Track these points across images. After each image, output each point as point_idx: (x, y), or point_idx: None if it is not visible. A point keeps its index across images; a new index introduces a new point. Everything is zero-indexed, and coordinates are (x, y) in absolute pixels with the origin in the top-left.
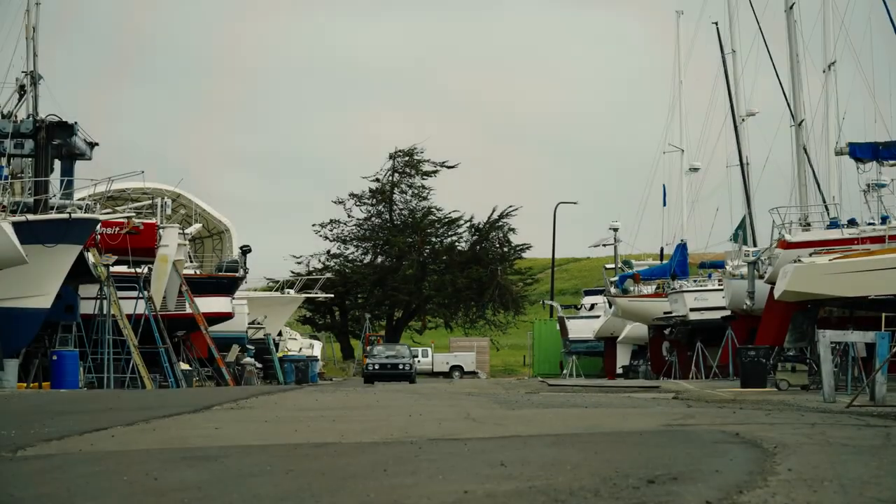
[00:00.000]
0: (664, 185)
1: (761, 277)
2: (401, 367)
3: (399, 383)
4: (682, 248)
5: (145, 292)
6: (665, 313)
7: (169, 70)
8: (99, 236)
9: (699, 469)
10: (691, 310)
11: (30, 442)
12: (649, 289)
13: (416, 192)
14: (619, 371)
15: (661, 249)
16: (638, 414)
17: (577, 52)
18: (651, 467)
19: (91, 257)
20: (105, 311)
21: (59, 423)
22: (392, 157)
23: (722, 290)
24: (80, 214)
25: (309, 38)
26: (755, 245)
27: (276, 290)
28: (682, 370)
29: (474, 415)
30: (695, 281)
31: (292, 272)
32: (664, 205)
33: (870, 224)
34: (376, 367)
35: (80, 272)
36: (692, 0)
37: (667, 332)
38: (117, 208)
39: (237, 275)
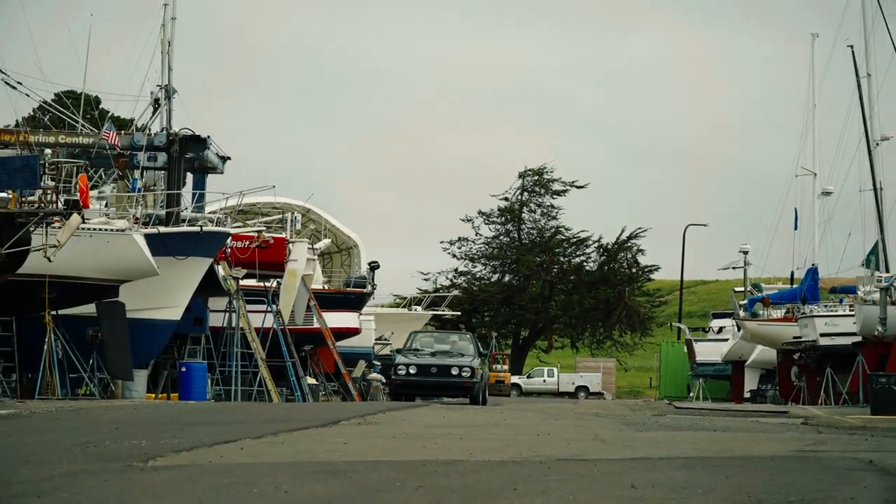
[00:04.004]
0: (796, 209)
1: (894, 304)
2: (455, 372)
3: (447, 401)
4: (812, 272)
5: (274, 306)
6: (794, 338)
7: (301, 86)
8: (229, 250)
9: (833, 496)
10: (821, 335)
11: (160, 452)
12: (779, 313)
13: (545, 211)
14: (747, 395)
15: (792, 273)
16: (767, 439)
17: (709, 72)
18: (784, 493)
19: (221, 270)
20: (233, 324)
21: (189, 435)
22: (522, 175)
23: (853, 315)
24: (211, 228)
25: (440, 55)
26: (888, 270)
27: (404, 307)
28: (810, 396)
29: (602, 435)
30: (825, 306)
31: (420, 289)
32: (795, 228)
33: None
34: (413, 371)
35: (209, 285)
36: (828, 23)
37: (796, 356)
38: (248, 222)
39: (365, 290)
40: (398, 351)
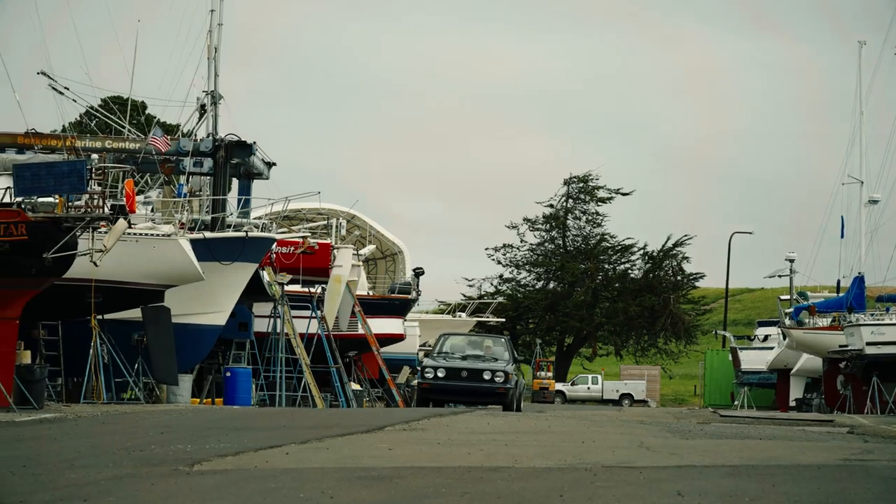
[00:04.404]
0: (842, 217)
1: None
2: (487, 377)
3: (482, 409)
4: (859, 280)
5: (318, 312)
6: (841, 346)
7: (345, 92)
8: (274, 255)
9: None
10: (868, 343)
11: (206, 457)
12: (825, 321)
13: (589, 218)
14: (792, 404)
15: (838, 282)
16: (814, 447)
17: (754, 79)
18: (831, 502)
19: (266, 276)
20: (278, 330)
21: (234, 439)
22: (567, 182)
23: None
24: (256, 233)
25: (482, 61)
26: None
27: (448, 313)
28: (856, 404)
29: (647, 443)
30: (872, 315)
31: (464, 295)
32: (842, 236)
33: None
34: (441, 374)
35: (254, 290)
36: (875, 30)
37: (842, 365)
38: (293, 228)
39: (410, 297)
40: (426, 354)
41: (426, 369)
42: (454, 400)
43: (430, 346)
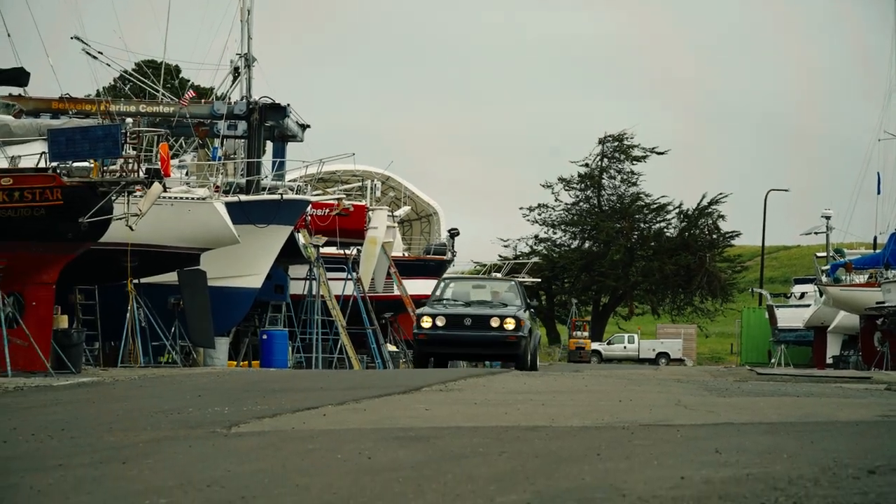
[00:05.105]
0: (878, 173)
1: None
2: (495, 324)
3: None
4: (895, 236)
5: (354, 274)
6: (877, 303)
7: (378, 52)
8: (309, 217)
9: None
10: None
11: (243, 419)
12: (861, 278)
13: (624, 177)
14: (829, 361)
15: (875, 238)
16: (851, 404)
17: (789, 36)
18: (871, 458)
19: (301, 238)
20: (314, 292)
21: (271, 401)
22: (601, 142)
23: None
24: (291, 196)
25: (519, 22)
26: None
27: (484, 274)
28: (893, 361)
29: (685, 401)
30: None
31: (500, 256)
32: (878, 193)
33: None
34: (440, 323)
35: (290, 253)
36: None
37: (879, 322)
38: (328, 190)
39: (445, 258)
40: (424, 302)
41: (423, 317)
42: (456, 354)
43: None
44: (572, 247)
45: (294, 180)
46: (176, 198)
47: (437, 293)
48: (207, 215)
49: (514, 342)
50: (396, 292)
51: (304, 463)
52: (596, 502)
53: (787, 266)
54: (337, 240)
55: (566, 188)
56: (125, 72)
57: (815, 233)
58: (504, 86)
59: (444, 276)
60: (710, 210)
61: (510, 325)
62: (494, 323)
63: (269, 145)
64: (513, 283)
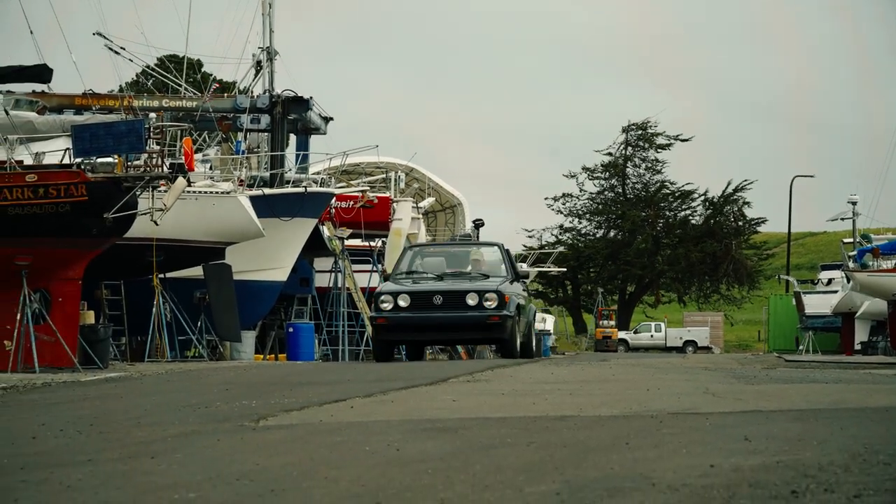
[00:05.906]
0: None
1: None
2: (472, 302)
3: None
4: None
5: (379, 265)
6: None
7: (401, 45)
8: (333, 210)
9: None
10: None
11: (271, 412)
12: (889, 263)
13: (649, 165)
14: (857, 347)
15: None
16: (881, 390)
17: (814, 22)
18: None
19: (326, 231)
20: (340, 284)
21: (298, 394)
22: (625, 130)
23: None
24: (315, 188)
25: (542, 11)
26: None
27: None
28: None
29: (713, 389)
30: None
31: (525, 246)
32: None
33: None
34: (404, 303)
35: (315, 245)
36: None
37: None
38: (352, 182)
39: None
40: (386, 277)
41: (382, 298)
42: (425, 340)
43: None
44: (597, 236)
45: (318, 173)
46: (200, 192)
47: (402, 265)
48: (232, 209)
49: (497, 323)
50: None
51: (332, 455)
52: (625, 491)
53: (813, 252)
54: (362, 232)
55: (590, 177)
56: (147, 67)
57: (842, 218)
58: (528, 76)
59: (413, 244)
60: (735, 197)
61: (491, 301)
62: (472, 300)
63: (293, 138)
64: (496, 247)
